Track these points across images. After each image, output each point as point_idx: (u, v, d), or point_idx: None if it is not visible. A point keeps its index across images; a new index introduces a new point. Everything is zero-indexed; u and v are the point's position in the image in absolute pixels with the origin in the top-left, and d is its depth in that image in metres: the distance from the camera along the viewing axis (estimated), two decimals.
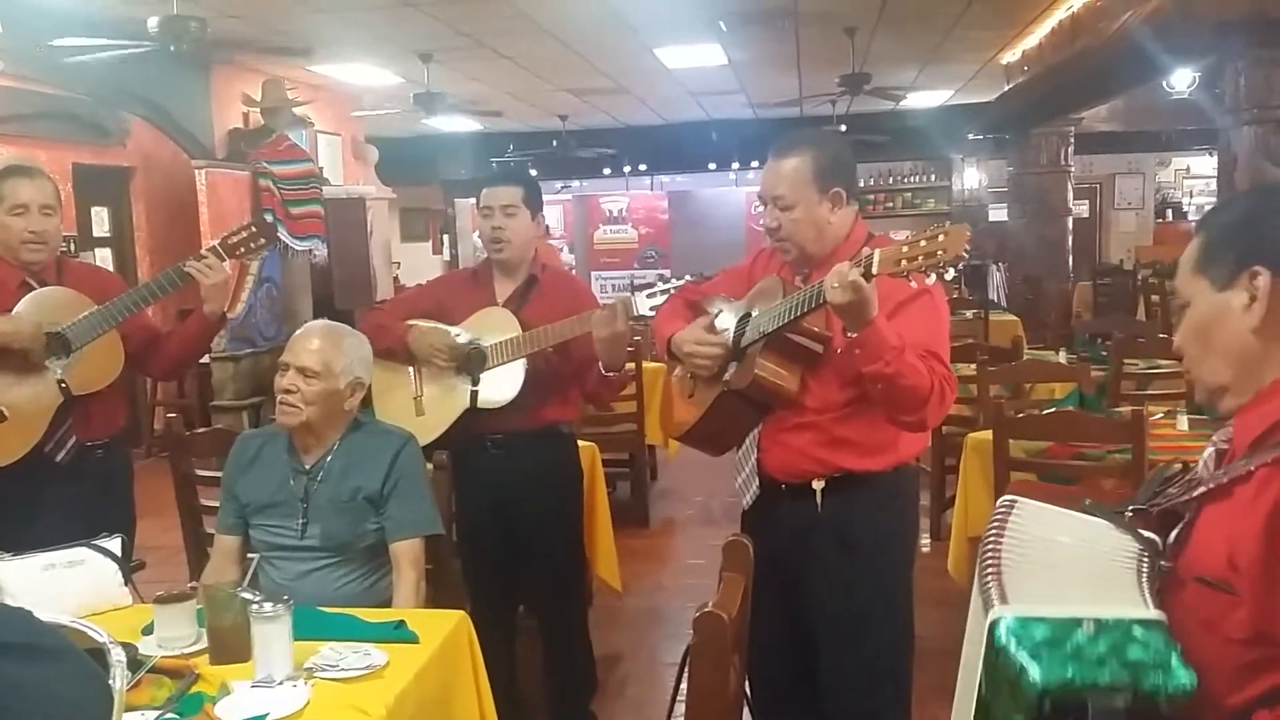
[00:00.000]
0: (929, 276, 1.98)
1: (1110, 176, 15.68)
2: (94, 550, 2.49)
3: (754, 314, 2.42)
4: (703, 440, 2.60)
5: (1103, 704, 1.21)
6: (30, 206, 3.02)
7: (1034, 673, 1.23)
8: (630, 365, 5.27)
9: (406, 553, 2.58)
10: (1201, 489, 1.36)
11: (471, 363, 3.09)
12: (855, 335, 2.15)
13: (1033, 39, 8.82)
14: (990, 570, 1.37)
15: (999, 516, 1.46)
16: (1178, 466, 1.51)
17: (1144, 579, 1.33)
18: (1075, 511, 1.46)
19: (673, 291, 2.85)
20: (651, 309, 2.87)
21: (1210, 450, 1.43)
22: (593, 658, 3.53)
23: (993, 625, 1.28)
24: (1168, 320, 9.32)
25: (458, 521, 3.15)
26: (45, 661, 0.88)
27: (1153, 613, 1.27)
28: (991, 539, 1.44)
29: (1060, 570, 1.39)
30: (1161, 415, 4.12)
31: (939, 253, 1.94)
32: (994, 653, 1.28)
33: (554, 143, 12.89)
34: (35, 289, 3.04)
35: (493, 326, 3.11)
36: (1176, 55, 6.56)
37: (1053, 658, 1.23)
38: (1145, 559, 1.36)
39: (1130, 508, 1.45)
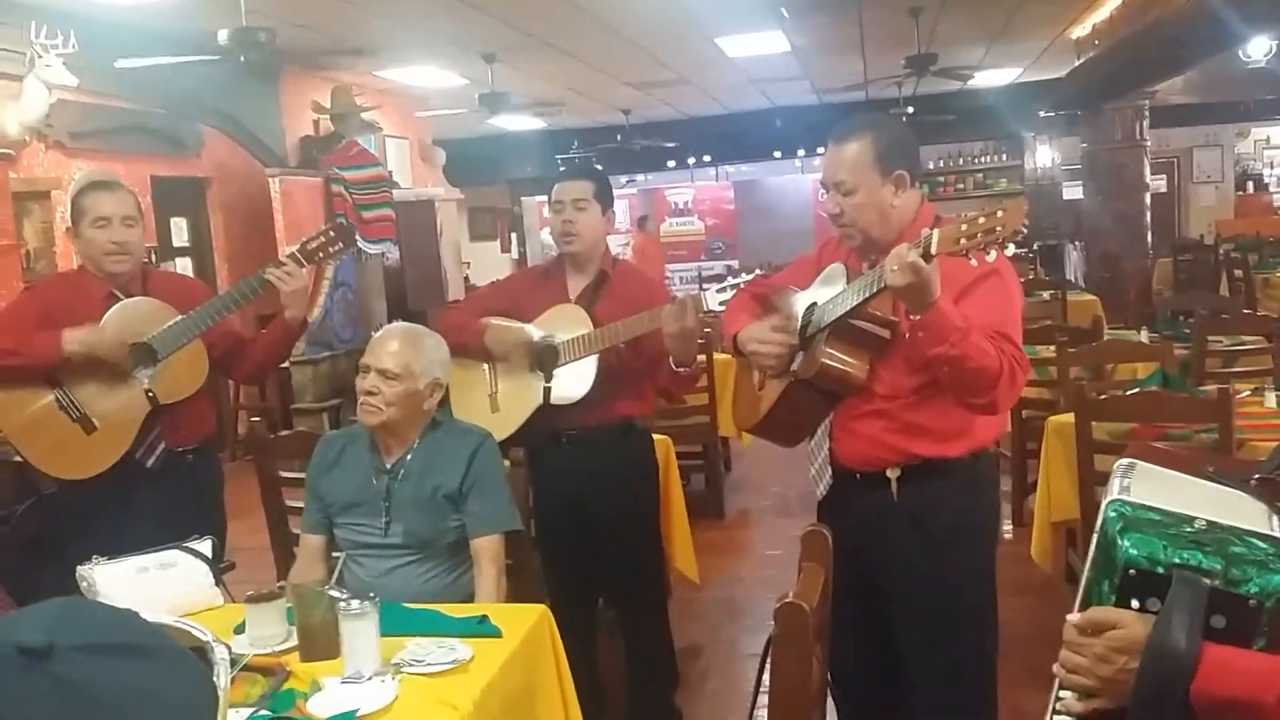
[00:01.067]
0: (989, 253, 1.96)
1: (1188, 150, 15.27)
2: (186, 552, 2.54)
3: (819, 302, 2.39)
4: (774, 431, 2.59)
5: (1185, 577, 1.18)
6: (112, 219, 3.05)
7: (1125, 542, 1.22)
8: (702, 358, 5.27)
9: (487, 548, 2.61)
10: None
11: (545, 359, 3.11)
12: (918, 318, 2.12)
13: (1103, 12, 8.63)
14: (1119, 482, 1.35)
15: (1119, 475, 1.41)
16: None
17: (1275, 521, 1.29)
18: (1197, 478, 1.42)
19: (741, 286, 2.83)
20: (720, 303, 2.85)
21: None
22: (673, 650, 3.52)
23: (1106, 505, 1.26)
24: (1251, 295, 9.08)
25: (535, 517, 3.17)
26: (154, 660, 0.90)
27: (1275, 530, 1.24)
28: (1116, 488, 1.39)
29: (1190, 496, 1.34)
30: (1249, 393, 4.02)
31: (997, 228, 1.93)
32: (1102, 529, 1.26)
33: (618, 137, 12.92)
34: (121, 299, 3.08)
35: (565, 323, 3.12)
36: (1253, 23, 6.41)
37: (1149, 534, 1.21)
38: (1275, 518, 1.31)
39: (1256, 476, 1.41)
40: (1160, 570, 1.20)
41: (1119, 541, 1.21)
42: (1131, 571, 1.20)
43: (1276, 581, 1.17)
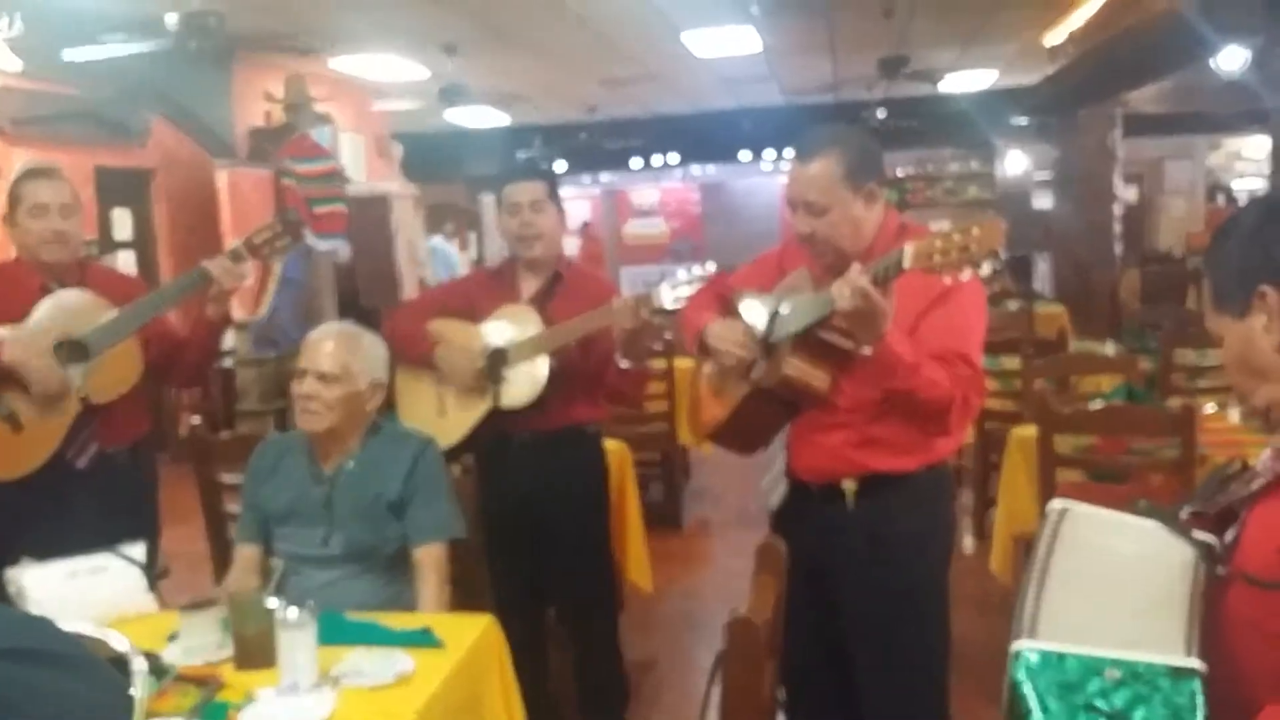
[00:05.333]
0: (963, 272, 1.93)
1: (1159, 160, 15.33)
2: (118, 557, 2.52)
3: (782, 310, 2.36)
4: (731, 439, 2.58)
5: None
6: (50, 206, 2.99)
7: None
8: (661, 363, 5.27)
9: (429, 557, 2.56)
10: (1258, 483, 1.37)
11: (494, 361, 3.06)
12: (867, 351, 2.13)
13: (1078, 18, 8.66)
14: (1033, 585, 1.36)
15: (1051, 525, 1.44)
16: (1238, 465, 1.48)
17: (1195, 599, 1.31)
18: (1129, 516, 1.44)
19: (696, 282, 2.80)
20: (675, 301, 2.79)
21: (1268, 451, 1.42)
22: (624, 664, 3.48)
23: (1014, 657, 1.27)
24: (1205, 312, 9.12)
25: (483, 524, 3.10)
26: (60, 668, 0.90)
27: (1190, 661, 1.23)
28: (1044, 548, 1.41)
29: (1110, 585, 1.37)
30: (1213, 408, 4.06)
31: (972, 247, 1.90)
32: (1012, 687, 1.27)
33: (582, 135, 12.81)
34: (56, 291, 3.00)
35: (516, 323, 3.09)
36: (1227, 33, 6.49)
37: (1062, 707, 1.22)
38: (1201, 568, 1.35)
39: (1188, 510, 1.43)
40: None
41: (1033, 715, 1.23)
42: None
43: None
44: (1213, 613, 1.28)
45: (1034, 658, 1.25)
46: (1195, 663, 1.23)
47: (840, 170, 2.28)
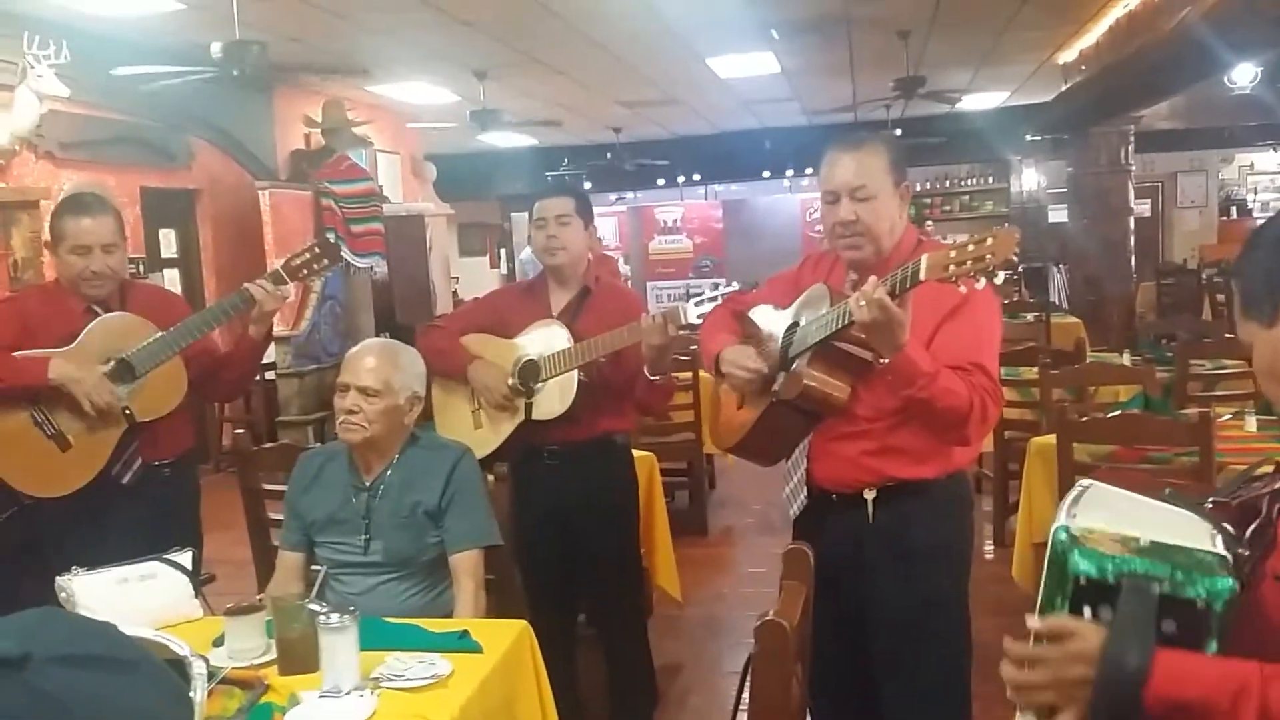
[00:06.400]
0: (978, 281, 1.96)
1: (1172, 175, 15.37)
2: (166, 564, 2.52)
3: (801, 323, 2.39)
4: (753, 451, 2.58)
5: (1135, 584, 1.21)
6: (92, 249, 3.00)
7: (1076, 556, 1.24)
8: (687, 375, 5.31)
9: (465, 564, 2.60)
10: None
11: (526, 375, 3.12)
12: (885, 361, 2.15)
13: (1090, 38, 8.70)
14: (1069, 507, 1.37)
15: (1074, 494, 1.43)
16: (1270, 467, 1.47)
17: (1219, 543, 1.31)
18: (1154, 500, 1.44)
19: (720, 300, 2.84)
20: (699, 317, 2.86)
21: None
22: (652, 667, 3.53)
23: (1054, 532, 1.29)
24: (1233, 320, 9.14)
25: (517, 532, 3.18)
26: (130, 673, 0.89)
27: (1218, 548, 1.26)
28: (1068, 505, 1.42)
29: (1137, 519, 1.36)
30: (1229, 416, 4.07)
31: (987, 256, 1.93)
32: (1052, 553, 1.29)
33: (608, 155, 12.96)
34: (100, 315, 3.05)
35: (546, 338, 3.14)
36: (1238, 50, 6.48)
37: (1096, 550, 1.24)
38: (1226, 542, 1.33)
39: (1211, 499, 1.44)
40: (1110, 579, 1.22)
41: (1068, 556, 1.24)
42: (1082, 581, 1.23)
43: (1221, 584, 1.20)
44: (1245, 609, 1.26)
45: (1073, 529, 1.28)
46: (1224, 552, 1.26)
47: (888, 159, 2.35)
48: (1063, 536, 1.27)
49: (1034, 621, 1.27)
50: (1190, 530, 1.33)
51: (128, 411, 3.01)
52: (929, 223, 14.26)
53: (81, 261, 3.01)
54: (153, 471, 3.13)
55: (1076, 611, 1.24)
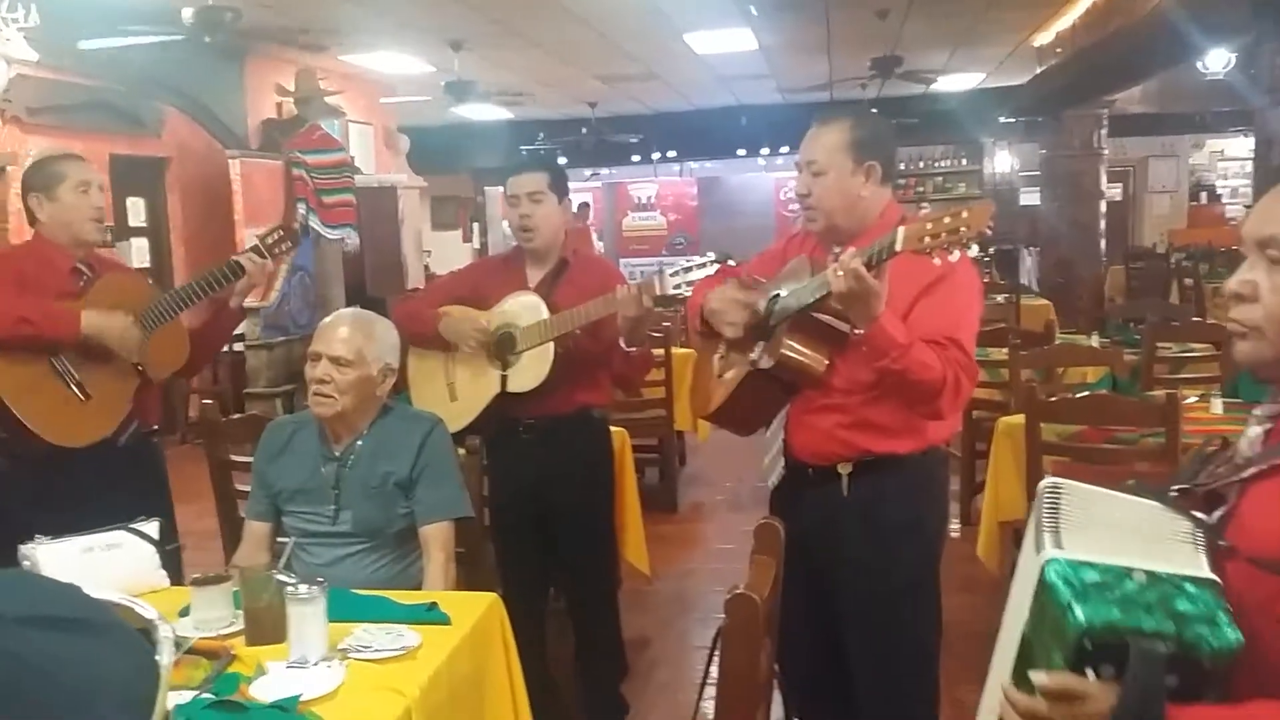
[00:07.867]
0: (952, 253, 1.99)
1: (1144, 159, 15.51)
2: (132, 533, 2.49)
3: (782, 293, 2.40)
4: (730, 419, 2.59)
5: (1144, 649, 1.20)
6: (92, 184, 3.06)
7: (1079, 612, 1.21)
8: (659, 351, 5.28)
9: (435, 536, 2.58)
10: (1252, 470, 1.34)
11: (502, 347, 3.11)
12: (860, 332, 2.16)
13: (1066, 20, 8.75)
14: (1048, 521, 1.35)
15: (1049, 497, 1.41)
16: (1217, 442, 1.47)
17: (1200, 551, 1.31)
18: (1120, 493, 1.43)
19: (695, 270, 2.84)
20: (675, 288, 2.86)
21: (1258, 430, 1.40)
22: (621, 641, 3.54)
23: (1044, 565, 1.27)
24: (1201, 304, 9.23)
25: (491, 505, 3.17)
26: (96, 635, 0.89)
27: (1207, 573, 1.26)
28: (1045, 513, 1.39)
29: (1118, 530, 1.35)
30: (1195, 399, 4.08)
31: (962, 229, 1.96)
32: (1042, 590, 1.27)
33: (583, 130, 12.91)
34: (86, 275, 3.05)
35: (523, 310, 3.12)
36: (1212, 35, 6.52)
37: (1099, 600, 1.22)
38: (1201, 536, 1.33)
39: (1175, 488, 1.42)
40: (1115, 637, 1.21)
41: (1072, 611, 1.23)
42: (1087, 643, 1.22)
43: (1228, 639, 1.20)
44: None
45: (1063, 564, 1.25)
46: (1214, 577, 1.25)
47: (847, 139, 2.37)
48: (1057, 578, 1.26)
49: (1041, 677, 1.26)
50: (1172, 534, 1.33)
51: (140, 367, 3.04)
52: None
53: (86, 200, 3.05)
54: (143, 438, 3.15)
55: (1078, 670, 1.24)
